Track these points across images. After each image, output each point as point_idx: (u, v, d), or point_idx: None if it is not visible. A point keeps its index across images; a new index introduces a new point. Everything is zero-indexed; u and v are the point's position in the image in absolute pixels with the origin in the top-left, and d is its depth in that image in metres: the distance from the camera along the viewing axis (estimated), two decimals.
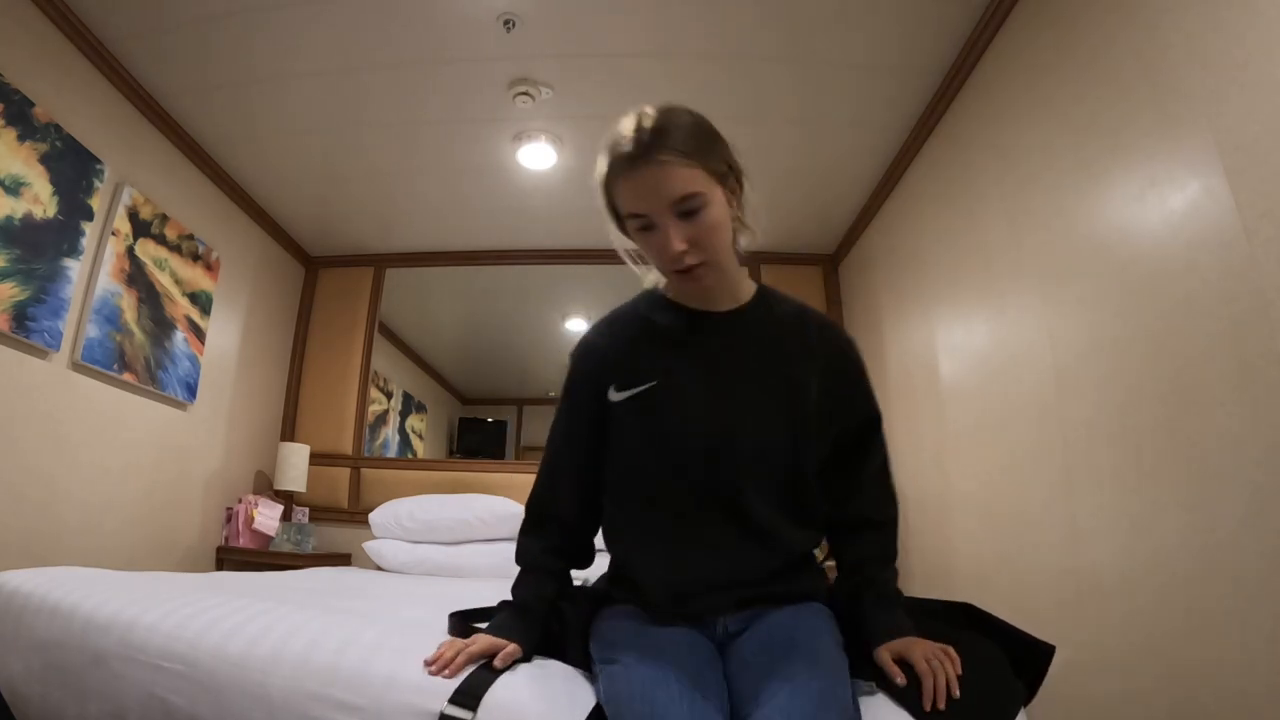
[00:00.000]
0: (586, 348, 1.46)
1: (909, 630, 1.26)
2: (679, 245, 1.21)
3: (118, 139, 3.23)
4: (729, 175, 1.26)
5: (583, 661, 1.30)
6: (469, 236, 4.80)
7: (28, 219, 2.71)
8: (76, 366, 2.99)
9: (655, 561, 1.36)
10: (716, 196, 1.23)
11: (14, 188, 2.65)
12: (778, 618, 1.28)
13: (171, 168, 3.62)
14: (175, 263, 3.61)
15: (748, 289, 1.44)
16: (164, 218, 3.52)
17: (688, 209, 1.20)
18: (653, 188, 1.19)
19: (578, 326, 6.22)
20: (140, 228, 3.35)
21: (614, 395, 1.38)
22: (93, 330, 3.05)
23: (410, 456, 5.16)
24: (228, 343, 4.14)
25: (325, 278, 5.08)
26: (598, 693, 1.15)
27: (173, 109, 3.47)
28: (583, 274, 5.00)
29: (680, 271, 1.25)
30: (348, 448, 4.70)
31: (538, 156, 3.77)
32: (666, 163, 1.18)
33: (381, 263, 5.08)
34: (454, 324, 6.05)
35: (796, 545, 1.37)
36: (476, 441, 6.60)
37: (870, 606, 1.31)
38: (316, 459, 4.61)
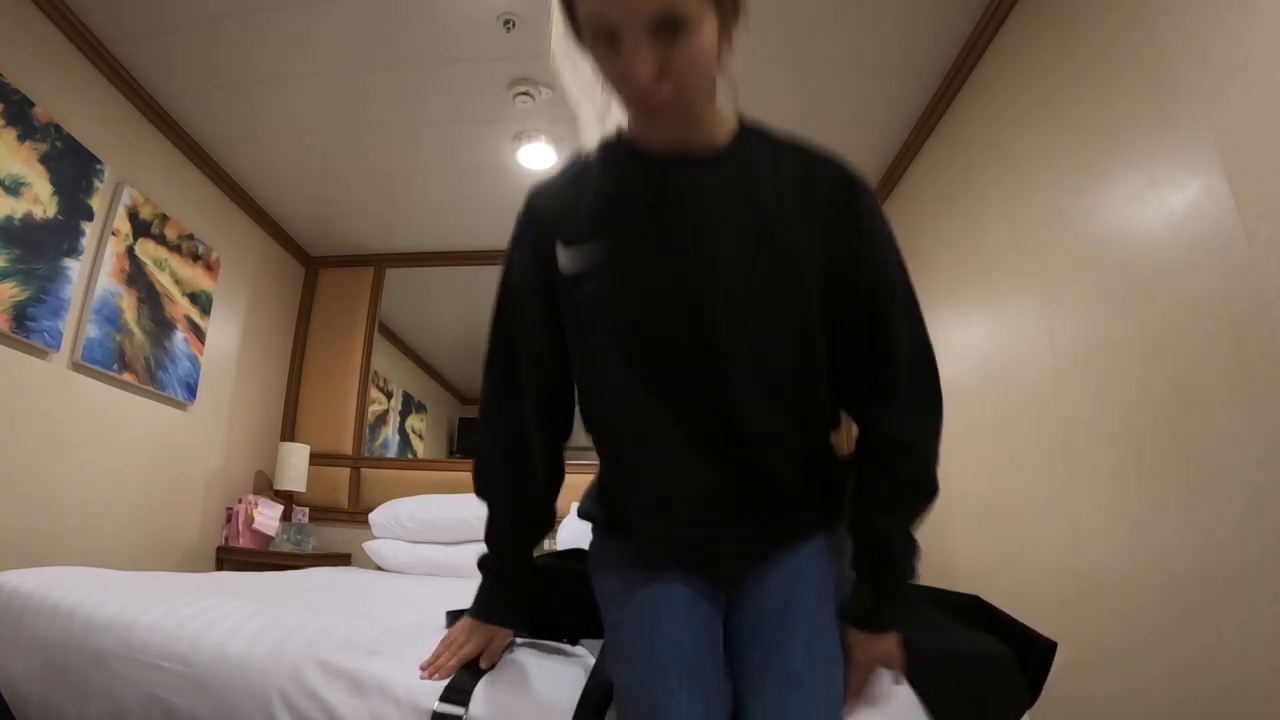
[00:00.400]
0: (529, 203, 1.23)
1: (886, 624, 1.15)
2: (648, 70, 0.93)
3: (118, 139, 3.24)
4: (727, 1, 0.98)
5: (582, 630, 1.33)
6: (469, 236, 4.81)
7: (28, 219, 2.71)
8: (76, 366, 2.99)
9: (640, 498, 1.20)
10: (707, 21, 0.94)
11: (14, 188, 2.65)
12: (775, 583, 1.14)
13: (171, 168, 3.62)
14: (175, 263, 3.62)
15: (727, 127, 1.12)
16: (164, 218, 3.52)
17: (669, 27, 0.91)
18: None
19: None
20: (140, 228, 3.36)
21: (562, 258, 1.15)
22: (93, 330, 3.05)
23: (410, 456, 5.16)
24: (228, 343, 4.15)
25: (325, 278, 5.08)
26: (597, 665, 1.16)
27: (173, 109, 3.48)
28: None
29: (642, 105, 0.98)
30: (348, 448, 4.70)
31: (538, 156, 3.77)
32: None
33: (381, 263, 5.09)
34: (454, 323, 6.05)
35: (805, 458, 1.17)
36: (477, 441, 6.58)
37: (861, 589, 1.17)
38: (316, 459, 4.61)
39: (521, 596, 1.29)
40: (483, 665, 1.18)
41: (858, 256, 1.08)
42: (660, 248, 1.08)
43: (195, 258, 3.78)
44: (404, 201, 4.40)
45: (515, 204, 4.10)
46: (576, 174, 1.18)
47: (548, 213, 1.18)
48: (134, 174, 3.34)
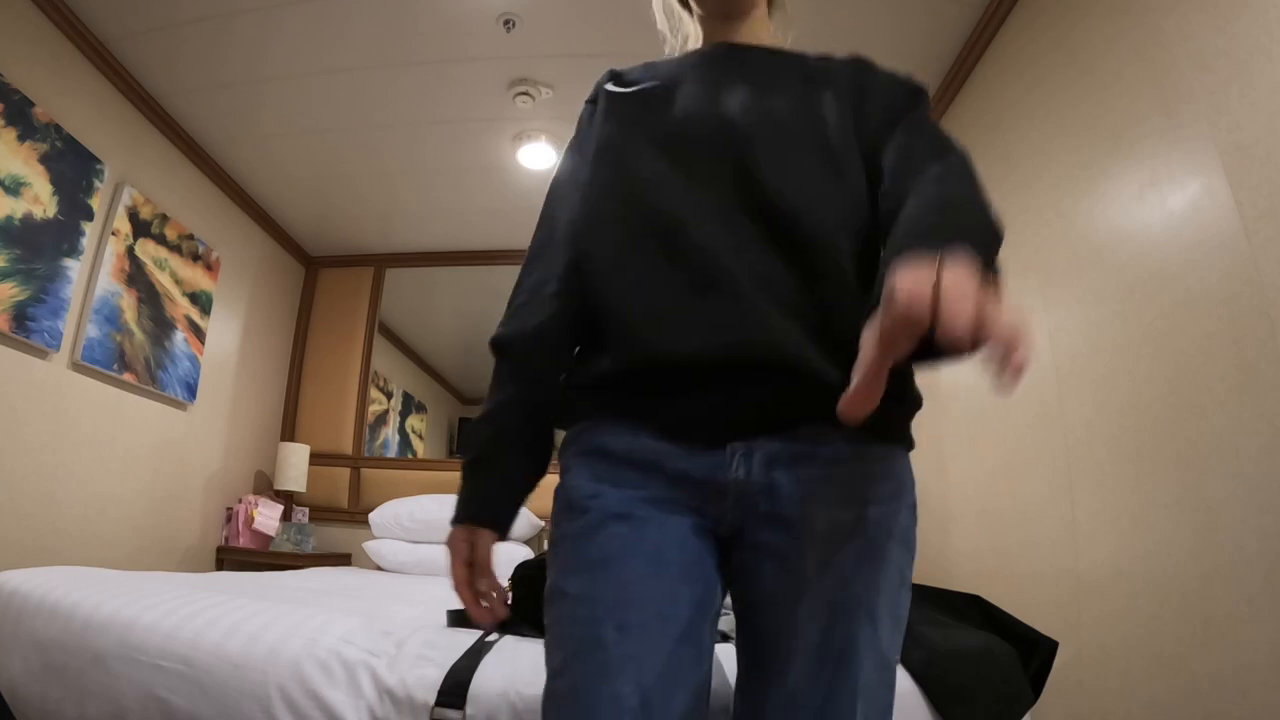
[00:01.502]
0: (599, 83, 1.17)
1: (952, 237, 0.72)
2: None
3: (118, 139, 3.24)
4: None
5: None
6: (469, 236, 4.82)
7: (28, 219, 2.71)
8: (77, 366, 2.99)
9: (627, 305, 0.92)
10: None
11: (14, 188, 2.65)
12: (827, 504, 0.84)
13: (171, 167, 3.63)
14: (175, 263, 3.62)
15: (777, 40, 1.20)
16: (164, 218, 3.52)
17: None
18: None
19: None
20: (140, 227, 3.36)
21: (609, 87, 1.12)
22: (93, 330, 3.06)
23: (410, 457, 5.16)
24: (228, 342, 4.15)
25: (325, 277, 5.09)
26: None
27: (172, 108, 3.48)
28: None
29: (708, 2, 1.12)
30: (348, 447, 4.71)
31: (538, 156, 3.77)
32: None
33: (381, 262, 5.09)
34: (454, 323, 6.07)
35: (852, 276, 0.89)
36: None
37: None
38: (316, 459, 4.61)
39: (509, 483, 1.01)
40: (480, 586, 0.99)
41: (872, 90, 1.03)
42: (713, 80, 1.05)
43: (195, 257, 3.78)
44: (404, 201, 4.41)
45: (516, 203, 4.14)
46: (651, 64, 1.17)
47: (618, 73, 1.14)
48: (134, 174, 3.34)
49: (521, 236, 4.76)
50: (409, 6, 2.93)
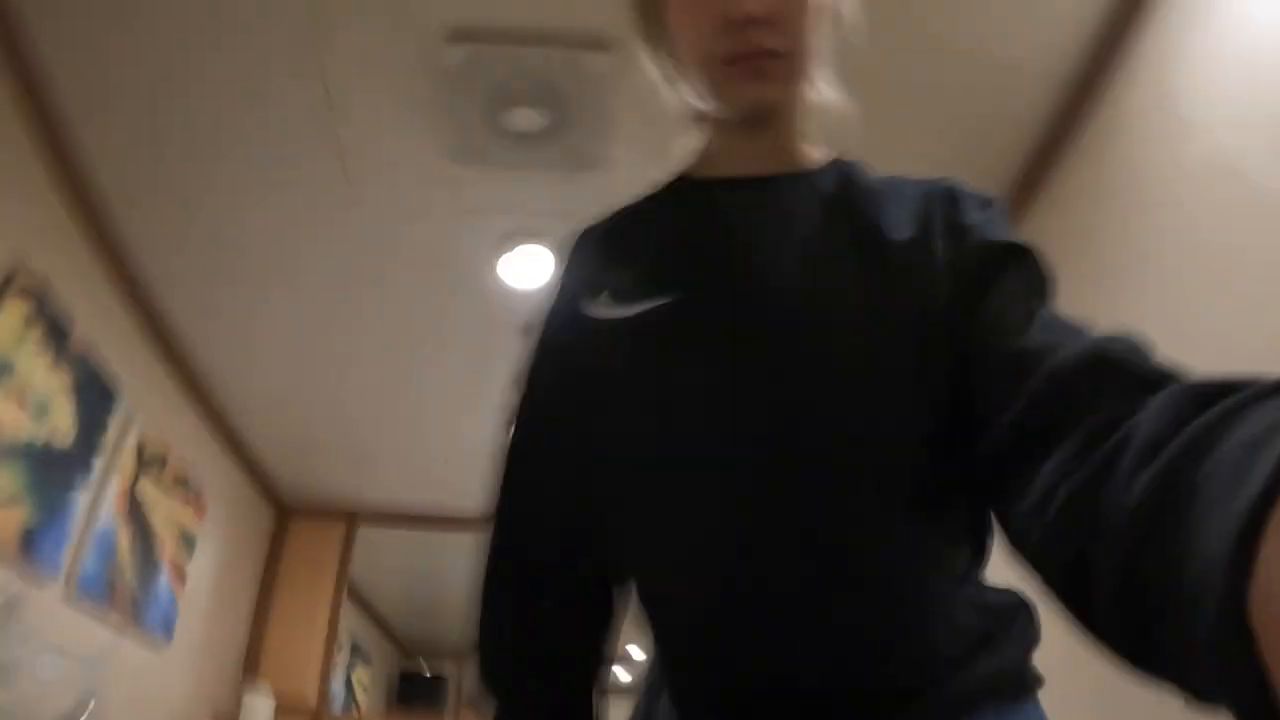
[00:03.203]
0: (574, 248, 0.89)
1: None
2: (754, 3, 0.72)
3: (133, 369, 3.30)
4: None
5: None
6: (447, 501, 4.85)
7: (48, 446, 2.72)
8: (70, 599, 2.88)
9: (688, 645, 0.75)
10: None
11: (41, 412, 2.68)
12: None
13: (176, 406, 3.68)
14: (169, 504, 3.58)
15: (819, 153, 0.86)
16: (163, 460, 3.53)
17: None
18: None
19: None
20: (144, 465, 3.36)
21: (598, 309, 0.79)
22: (90, 564, 2.97)
23: (355, 710, 4.92)
24: (203, 585, 4.01)
25: (297, 527, 4.96)
26: None
27: (177, 329, 3.54)
28: None
29: (744, 54, 0.74)
30: (312, 702, 4.44)
31: None
32: None
33: (353, 519, 5.01)
34: (404, 578, 5.93)
35: (944, 575, 0.70)
36: (416, 694, 6.31)
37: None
38: (281, 713, 4.34)
39: None
40: None
41: (963, 240, 0.73)
42: (744, 294, 0.75)
43: (185, 499, 3.75)
44: (384, 456, 4.47)
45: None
46: (635, 209, 0.89)
47: (596, 248, 0.87)
48: (144, 410, 3.38)
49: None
50: (428, 314, 3.25)
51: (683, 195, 0.86)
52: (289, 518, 4.99)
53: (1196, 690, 0.35)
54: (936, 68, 2.46)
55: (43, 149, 2.64)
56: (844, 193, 0.79)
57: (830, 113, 0.85)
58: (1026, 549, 0.52)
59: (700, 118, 0.86)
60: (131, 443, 3.26)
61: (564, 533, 0.83)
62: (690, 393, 0.74)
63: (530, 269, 3.17)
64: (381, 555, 5.45)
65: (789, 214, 0.78)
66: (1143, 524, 0.37)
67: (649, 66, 0.86)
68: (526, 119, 2.65)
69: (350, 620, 5.16)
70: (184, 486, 3.72)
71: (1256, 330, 1.78)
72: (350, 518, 5.00)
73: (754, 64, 0.74)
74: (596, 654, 0.84)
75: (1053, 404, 0.53)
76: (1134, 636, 0.40)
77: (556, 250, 3.07)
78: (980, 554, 0.73)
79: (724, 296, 0.75)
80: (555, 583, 0.83)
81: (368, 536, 5.05)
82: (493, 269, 3.20)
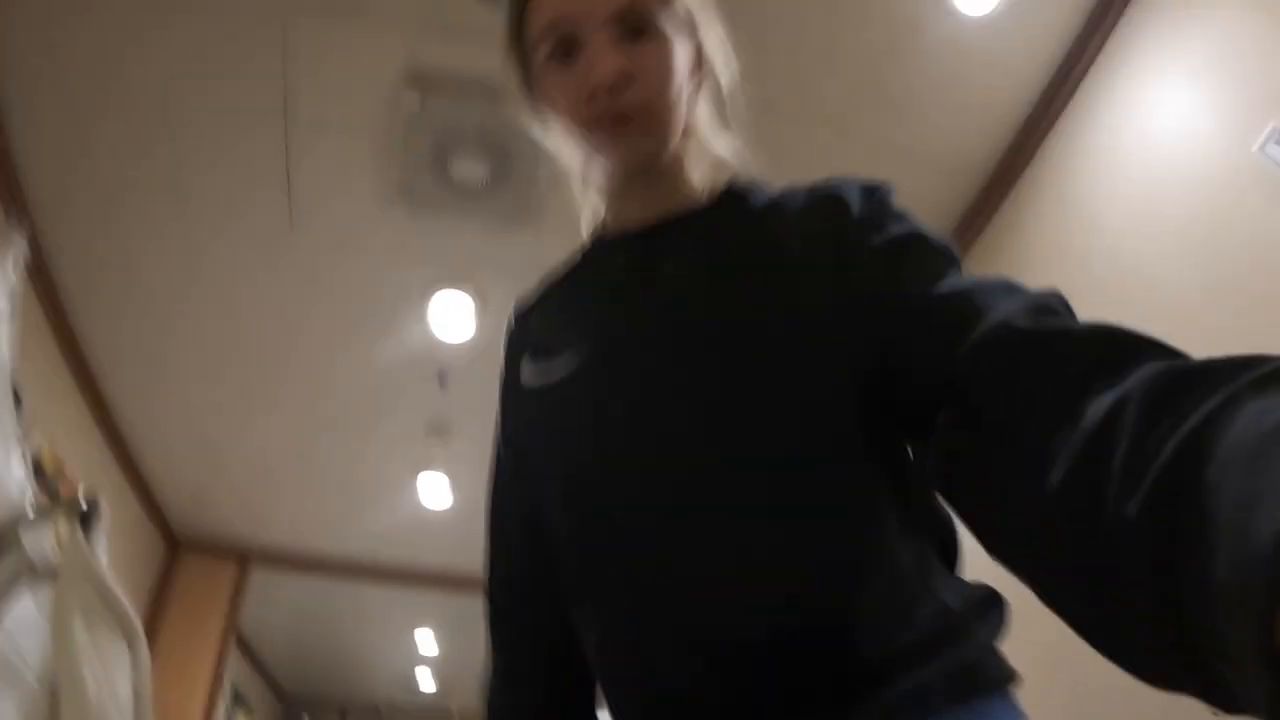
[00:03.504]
0: (511, 321, 0.98)
1: None
2: (610, 63, 0.78)
3: (37, 380, 3.16)
4: (695, 36, 0.86)
5: None
6: (347, 547, 4.76)
7: None
8: None
9: (617, 665, 0.76)
10: (679, 46, 0.83)
11: None
12: None
13: (77, 424, 3.55)
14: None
15: (711, 190, 0.91)
16: (59, 475, 3.37)
17: (634, 24, 0.80)
18: None
19: (425, 638, 6.04)
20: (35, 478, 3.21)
21: (524, 376, 0.87)
22: None
23: None
24: None
25: (187, 564, 4.72)
26: None
27: (91, 345, 3.44)
28: (450, 603, 5.03)
29: (604, 122, 0.80)
30: None
31: (434, 493, 4.02)
32: None
33: (248, 559, 4.82)
34: (294, 614, 5.73)
35: (894, 565, 0.67)
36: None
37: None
38: None
39: None
40: None
41: (861, 244, 0.76)
42: (636, 340, 0.80)
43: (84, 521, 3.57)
44: (286, 497, 4.38)
45: (401, 533, 4.27)
46: (556, 273, 0.97)
47: (523, 319, 0.96)
48: (41, 421, 3.22)
49: (402, 562, 4.68)
50: (349, 354, 3.30)
51: (588, 256, 0.94)
52: (180, 552, 4.73)
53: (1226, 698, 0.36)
54: (866, 160, 2.66)
55: None
56: (730, 220, 0.85)
57: (721, 158, 0.92)
58: (1015, 529, 0.52)
59: (594, 179, 0.92)
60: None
61: (529, 595, 0.87)
62: (583, 449, 0.79)
63: (454, 317, 3.22)
64: (272, 599, 5.25)
65: (675, 254, 0.83)
66: (1156, 541, 0.37)
67: (537, 130, 0.92)
68: (471, 170, 2.73)
69: (232, 665, 4.93)
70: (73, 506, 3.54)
71: None
72: (244, 558, 4.78)
73: (614, 124, 0.80)
74: (576, 713, 0.86)
75: (1007, 363, 0.55)
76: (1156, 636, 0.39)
77: (480, 301, 3.12)
78: (941, 547, 0.73)
79: (609, 347, 0.80)
80: (528, 638, 0.88)
81: (260, 578, 4.86)
82: (419, 314, 3.25)
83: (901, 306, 0.68)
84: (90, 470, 3.67)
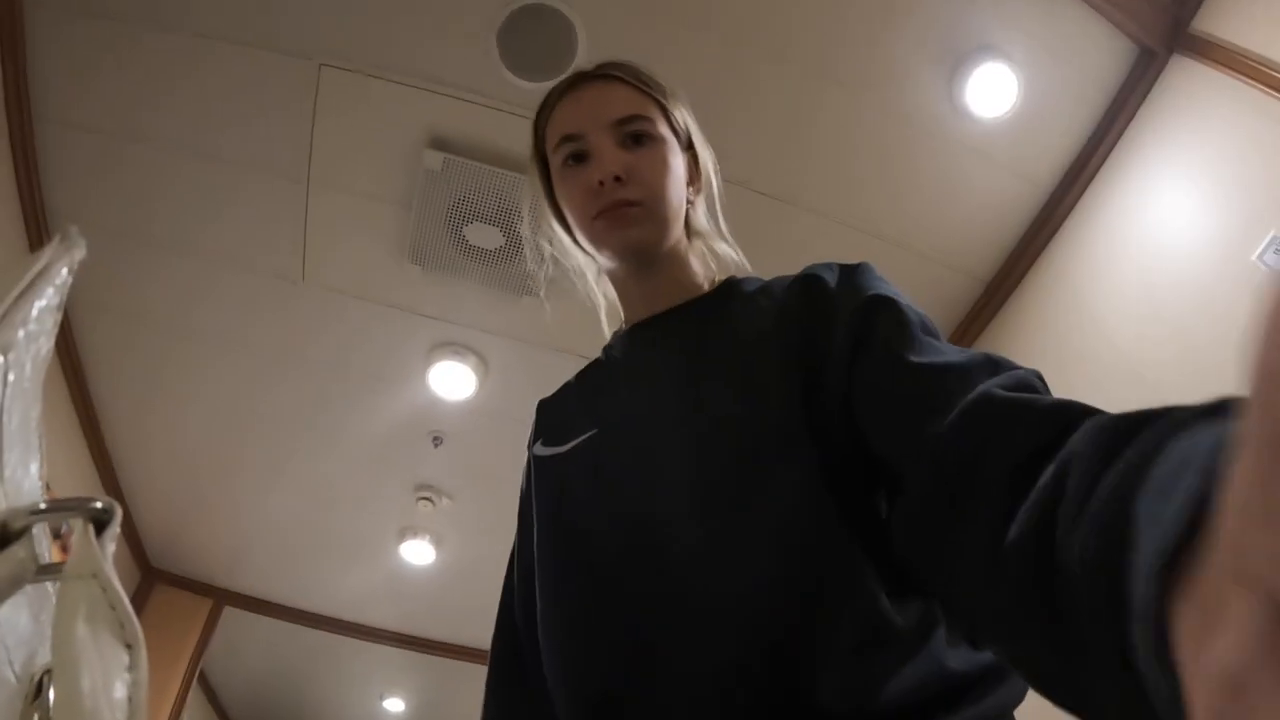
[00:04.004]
0: (536, 414, 1.06)
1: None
2: (613, 161, 0.90)
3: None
4: (688, 144, 1.00)
5: None
6: (322, 600, 4.69)
7: None
8: None
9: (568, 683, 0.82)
10: (673, 151, 0.95)
11: None
12: None
13: (64, 439, 3.51)
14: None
15: (709, 281, 1.01)
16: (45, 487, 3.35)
17: (633, 132, 0.93)
18: (594, 100, 0.96)
19: (394, 702, 5.93)
20: None
21: (539, 449, 0.98)
22: None
23: None
24: None
25: (160, 596, 4.66)
26: None
27: (88, 361, 3.44)
28: (423, 665, 4.94)
29: (606, 213, 0.91)
30: None
31: (418, 554, 4.01)
32: (617, 79, 0.97)
33: (221, 597, 4.72)
34: (258, 658, 5.61)
35: (884, 634, 0.69)
36: None
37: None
38: None
39: None
40: None
41: (825, 317, 0.82)
42: (630, 417, 0.90)
43: (56, 535, 3.54)
44: (265, 540, 4.32)
45: (379, 592, 4.23)
46: (571, 382, 1.07)
47: (539, 419, 1.04)
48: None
49: (379, 620, 4.63)
50: (346, 404, 3.30)
51: (605, 352, 1.04)
52: (153, 582, 4.68)
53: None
54: (872, 255, 2.68)
55: None
56: (720, 307, 0.94)
57: (720, 257, 1.03)
58: (981, 601, 0.53)
59: (604, 275, 1.03)
60: None
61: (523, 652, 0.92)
62: (578, 516, 0.88)
63: (455, 378, 3.24)
64: (241, 642, 5.15)
65: (665, 341, 0.94)
66: (1091, 576, 0.39)
67: (559, 240, 1.04)
68: (485, 235, 2.77)
69: (192, 703, 4.83)
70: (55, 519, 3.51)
71: None
72: (218, 595, 4.72)
73: (616, 213, 0.91)
74: None
75: (969, 450, 0.56)
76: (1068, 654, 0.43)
77: (481, 364, 3.14)
78: (936, 615, 0.71)
79: (608, 424, 0.91)
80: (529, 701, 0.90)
81: (230, 619, 4.79)
82: (420, 372, 3.26)
83: (884, 390, 0.71)
84: (74, 487, 3.64)
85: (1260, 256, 1.88)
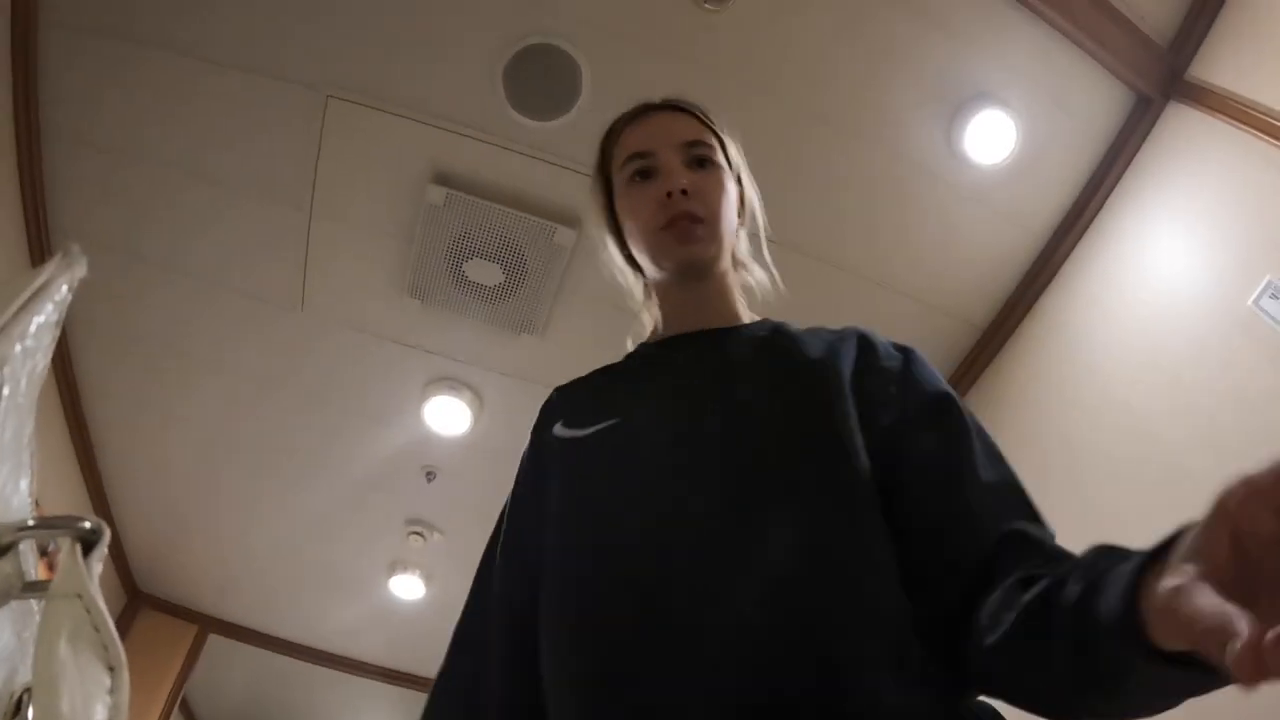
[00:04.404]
0: (552, 396, 1.08)
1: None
2: (680, 181, 0.98)
3: None
4: (738, 179, 1.08)
5: None
6: (306, 631, 4.63)
7: None
8: None
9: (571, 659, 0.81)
10: (729, 180, 1.04)
11: None
12: None
13: (55, 457, 3.49)
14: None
15: (750, 314, 1.08)
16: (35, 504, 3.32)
17: (699, 156, 1.02)
18: (663, 124, 1.06)
19: None
20: None
21: (557, 431, 0.99)
22: None
23: None
24: None
25: (144, 620, 4.57)
26: None
27: (85, 380, 3.41)
28: (410, 700, 4.86)
29: (673, 223, 0.98)
30: None
31: (406, 588, 3.98)
32: (683, 110, 1.08)
33: (207, 624, 4.65)
34: (242, 687, 5.54)
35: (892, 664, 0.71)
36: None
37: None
38: None
39: None
40: None
41: (887, 382, 0.90)
42: (667, 409, 0.93)
43: (43, 553, 3.50)
44: (253, 569, 4.28)
45: (367, 626, 4.18)
46: (594, 374, 1.10)
47: (559, 401, 1.06)
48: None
49: (366, 654, 4.58)
50: (341, 434, 3.30)
51: (636, 355, 1.09)
52: (139, 604, 4.59)
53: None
54: (870, 301, 2.73)
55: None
56: (773, 337, 1.00)
57: (757, 285, 1.11)
58: (981, 651, 0.67)
59: (649, 291, 1.10)
60: None
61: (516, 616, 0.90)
62: (596, 501, 0.89)
63: (450, 413, 3.23)
64: (225, 671, 5.09)
65: (725, 353, 0.98)
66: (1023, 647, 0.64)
67: (609, 253, 1.12)
68: (486, 272, 2.78)
69: None
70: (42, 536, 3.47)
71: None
72: (204, 622, 4.65)
73: (683, 225, 0.98)
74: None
75: (992, 567, 0.71)
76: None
77: (476, 400, 3.14)
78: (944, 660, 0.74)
79: (635, 418, 0.93)
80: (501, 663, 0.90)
81: (215, 647, 4.73)
82: (415, 406, 3.26)
83: (951, 486, 0.80)
84: (64, 506, 3.59)
85: (1256, 301, 1.89)
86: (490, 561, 0.98)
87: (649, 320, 1.11)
